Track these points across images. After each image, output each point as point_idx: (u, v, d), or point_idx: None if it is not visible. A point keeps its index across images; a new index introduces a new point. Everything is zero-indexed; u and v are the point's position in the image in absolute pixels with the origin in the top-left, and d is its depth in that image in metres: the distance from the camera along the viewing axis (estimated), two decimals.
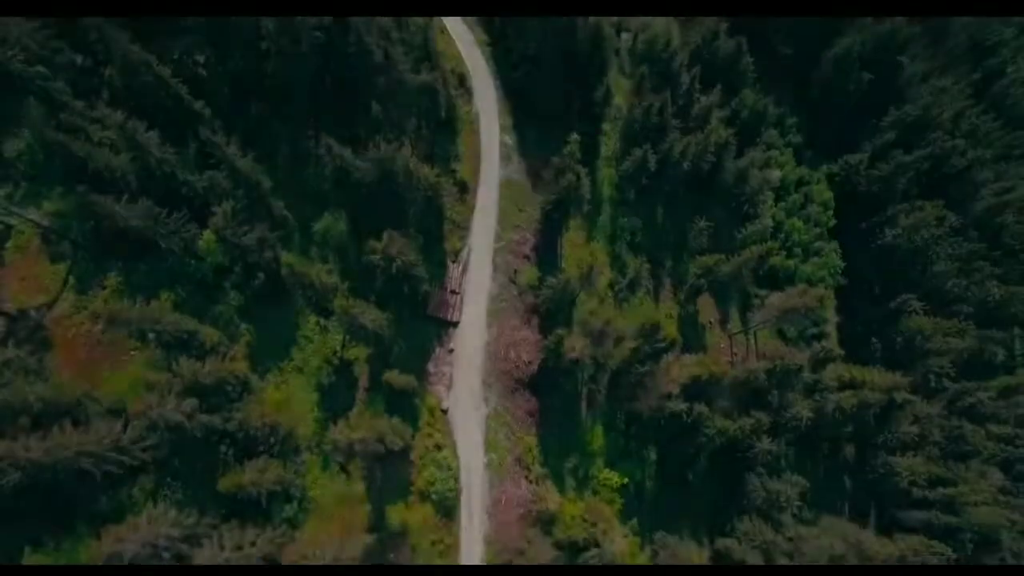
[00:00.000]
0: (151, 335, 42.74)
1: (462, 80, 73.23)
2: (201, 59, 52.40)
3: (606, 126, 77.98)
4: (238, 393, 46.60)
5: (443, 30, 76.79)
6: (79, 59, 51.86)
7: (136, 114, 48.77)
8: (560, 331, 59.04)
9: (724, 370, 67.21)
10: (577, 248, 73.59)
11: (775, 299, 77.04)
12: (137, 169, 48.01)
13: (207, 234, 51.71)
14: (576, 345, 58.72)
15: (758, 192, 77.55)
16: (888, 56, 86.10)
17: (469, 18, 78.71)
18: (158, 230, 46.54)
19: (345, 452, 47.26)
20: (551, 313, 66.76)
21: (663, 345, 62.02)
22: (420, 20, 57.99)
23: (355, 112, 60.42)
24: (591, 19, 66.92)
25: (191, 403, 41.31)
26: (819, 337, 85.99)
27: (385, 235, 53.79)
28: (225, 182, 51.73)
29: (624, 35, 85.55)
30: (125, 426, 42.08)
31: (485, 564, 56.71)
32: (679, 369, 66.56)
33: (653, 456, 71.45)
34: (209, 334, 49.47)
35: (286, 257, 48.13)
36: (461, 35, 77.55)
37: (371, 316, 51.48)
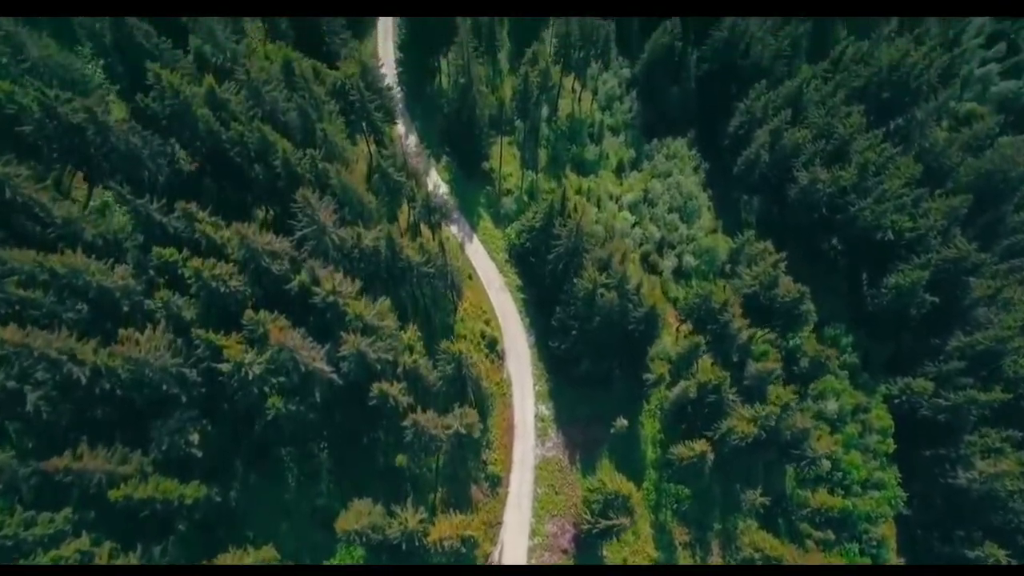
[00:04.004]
0: None
1: (493, 344, 63.79)
2: (195, 438, 42.94)
3: (653, 377, 68.21)
4: None
5: (470, 275, 67.57)
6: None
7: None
8: None
9: None
10: None
11: None
12: None
13: None
14: None
15: (819, 457, 67.62)
16: (954, 276, 76.42)
17: (500, 258, 69.46)
18: None
19: None
20: None
21: None
22: (454, 347, 48.40)
23: (373, 456, 51.17)
24: (647, 296, 57.61)
25: None
26: None
27: None
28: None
29: (669, 253, 76.08)
30: None
31: None
32: None
33: None
34: None
35: None
36: (491, 280, 68.16)
37: None
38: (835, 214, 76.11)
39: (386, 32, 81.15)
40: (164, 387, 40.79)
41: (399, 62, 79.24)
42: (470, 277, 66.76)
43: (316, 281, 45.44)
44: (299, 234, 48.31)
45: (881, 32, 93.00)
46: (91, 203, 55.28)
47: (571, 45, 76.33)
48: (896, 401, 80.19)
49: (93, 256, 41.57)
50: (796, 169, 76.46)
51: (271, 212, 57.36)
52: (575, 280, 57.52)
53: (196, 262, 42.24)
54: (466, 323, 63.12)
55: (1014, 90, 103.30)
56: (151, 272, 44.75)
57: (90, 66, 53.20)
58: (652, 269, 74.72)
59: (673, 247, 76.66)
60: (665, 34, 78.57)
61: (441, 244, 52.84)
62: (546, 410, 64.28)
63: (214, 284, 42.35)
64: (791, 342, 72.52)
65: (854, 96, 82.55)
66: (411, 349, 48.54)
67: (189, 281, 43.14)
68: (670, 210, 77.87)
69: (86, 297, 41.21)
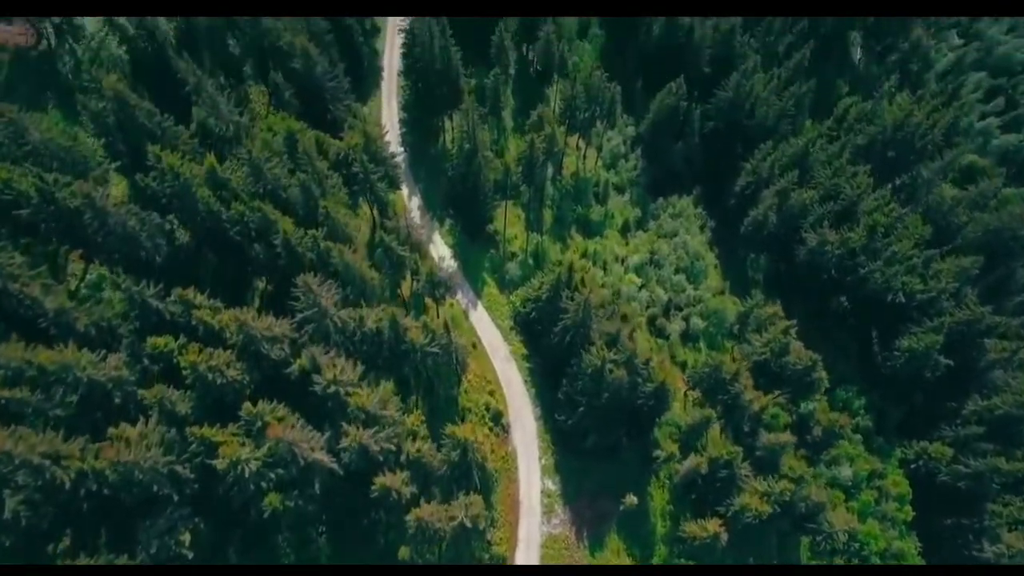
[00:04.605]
0: None
1: (498, 417, 61.58)
2: (186, 538, 40.55)
3: (663, 454, 65.56)
4: None
5: (475, 344, 65.59)
6: None
7: None
8: None
9: None
10: None
11: None
12: None
13: None
14: None
15: (835, 532, 64.65)
16: (968, 338, 74.56)
17: (504, 325, 67.68)
18: None
19: None
20: None
21: None
22: (459, 433, 46.31)
23: (374, 538, 48.59)
24: (657, 370, 55.88)
25: None
26: None
27: None
28: None
29: (677, 316, 74.30)
30: None
31: None
32: None
33: None
34: None
35: None
36: (496, 349, 66.27)
37: None
38: (845, 276, 74.63)
39: (390, 93, 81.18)
40: (155, 487, 38.62)
41: (403, 122, 79.16)
42: (474, 346, 64.77)
43: (317, 368, 43.60)
44: (300, 316, 46.70)
45: (882, 89, 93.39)
46: (88, 277, 53.94)
47: (576, 107, 76.13)
48: (912, 466, 77.29)
49: (85, 348, 39.85)
50: (804, 230, 75.34)
51: (270, 285, 55.91)
52: (583, 355, 55.64)
53: (192, 354, 40.49)
54: (470, 395, 61.02)
55: (1015, 143, 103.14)
56: (145, 360, 43.00)
57: (91, 141, 52.57)
58: (659, 333, 72.92)
59: (680, 309, 74.94)
60: (670, 94, 78.34)
61: (446, 324, 51.14)
62: (552, 485, 61.61)
63: (210, 376, 40.53)
64: (803, 407, 70.19)
65: (859, 154, 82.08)
66: (414, 435, 46.43)
67: (184, 372, 41.32)
68: (677, 271, 76.46)
69: (76, 390, 39.32)
